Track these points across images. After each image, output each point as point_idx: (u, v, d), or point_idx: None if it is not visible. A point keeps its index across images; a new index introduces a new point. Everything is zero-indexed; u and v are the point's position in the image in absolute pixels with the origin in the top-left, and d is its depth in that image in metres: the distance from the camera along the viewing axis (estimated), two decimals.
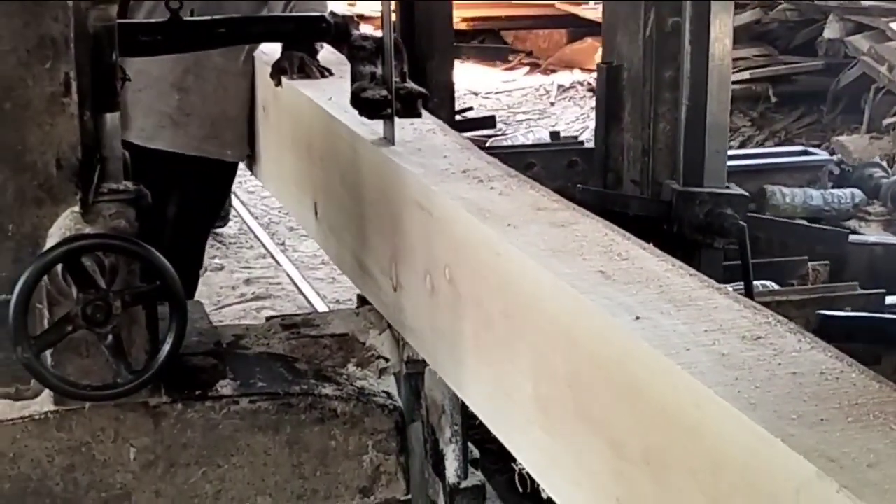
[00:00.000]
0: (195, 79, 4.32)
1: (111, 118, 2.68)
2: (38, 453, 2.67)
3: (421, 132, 3.05)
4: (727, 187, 4.56)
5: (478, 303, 2.41)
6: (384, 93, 2.89)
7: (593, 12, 11.89)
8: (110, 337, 2.49)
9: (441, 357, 2.69)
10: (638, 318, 1.93)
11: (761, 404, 1.64)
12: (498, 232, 2.34)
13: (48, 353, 2.56)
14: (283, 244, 6.91)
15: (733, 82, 9.82)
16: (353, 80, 3.00)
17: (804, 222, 5.81)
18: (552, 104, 11.21)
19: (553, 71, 12.45)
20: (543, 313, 2.16)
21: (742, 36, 10.15)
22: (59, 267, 2.48)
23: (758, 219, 5.12)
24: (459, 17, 13.03)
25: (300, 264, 6.49)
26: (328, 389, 2.90)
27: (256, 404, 2.80)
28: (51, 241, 2.54)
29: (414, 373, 2.99)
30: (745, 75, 9.95)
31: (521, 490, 2.89)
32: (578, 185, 4.68)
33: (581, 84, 11.41)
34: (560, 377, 2.09)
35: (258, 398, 2.81)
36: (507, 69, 12.98)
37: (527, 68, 13.01)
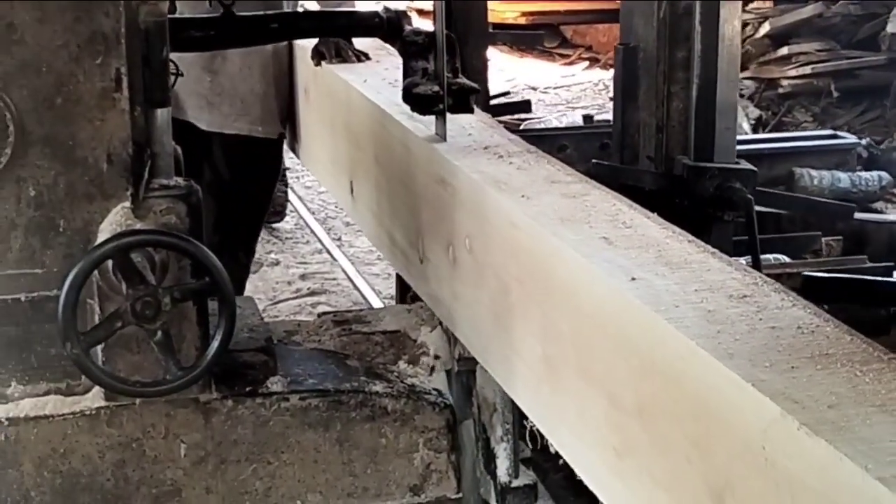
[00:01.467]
0: (222, 61, 4.39)
1: (162, 113, 2.68)
2: (89, 449, 2.67)
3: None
4: (736, 163, 4.71)
5: (494, 271, 2.53)
6: (436, 88, 2.87)
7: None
8: (160, 333, 2.49)
9: (462, 324, 2.80)
10: (634, 278, 2.06)
11: (738, 354, 1.77)
12: (513, 202, 2.46)
13: (98, 349, 2.56)
14: (339, 239, 6.91)
15: (795, 77, 9.78)
16: (406, 76, 2.98)
17: (813, 197, 5.95)
18: (611, 99, 11.13)
19: (612, 66, 12.39)
20: (552, 278, 2.28)
21: (804, 30, 10.05)
22: (110, 263, 2.48)
23: (766, 193, 5.27)
24: (519, 11, 13.01)
25: (356, 260, 6.48)
26: (379, 387, 2.88)
27: (307, 401, 2.80)
28: (101, 237, 2.54)
29: (465, 370, 2.97)
30: (807, 70, 9.85)
31: (530, 447, 2.87)
32: (593, 161, 4.85)
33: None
34: (565, 337, 2.23)
35: (308, 395, 2.80)
36: (566, 64, 12.93)
37: (586, 63, 12.94)
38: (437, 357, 3.05)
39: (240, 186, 4.55)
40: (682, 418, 1.85)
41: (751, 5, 9.66)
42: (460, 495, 2.94)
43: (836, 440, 1.53)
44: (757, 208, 4.74)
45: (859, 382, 1.70)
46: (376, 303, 5.80)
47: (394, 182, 3.22)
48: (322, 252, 6.73)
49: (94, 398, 2.67)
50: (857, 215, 5.78)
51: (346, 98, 3.68)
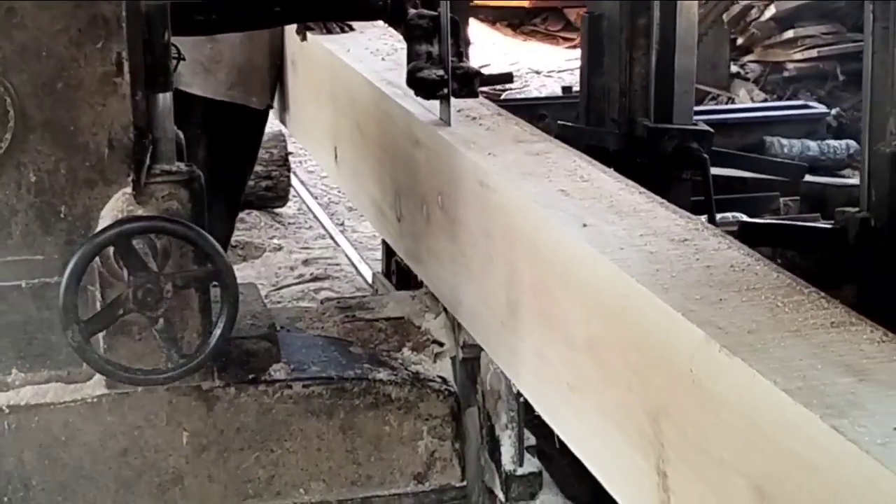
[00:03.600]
0: None
1: (164, 98, 2.65)
2: (91, 437, 2.66)
3: None
4: (694, 124, 5.01)
5: (464, 225, 2.70)
6: (440, 72, 2.85)
7: None
8: (161, 320, 2.47)
9: (436, 279, 2.95)
10: (585, 225, 2.24)
11: (673, 289, 1.94)
12: (480, 160, 2.63)
13: (100, 336, 2.54)
14: (341, 224, 6.88)
15: (800, 60, 9.73)
16: (410, 60, 2.95)
17: (766, 157, 6.27)
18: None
19: None
20: (514, 229, 2.45)
21: (810, 13, 10.00)
22: (111, 249, 2.46)
23: (721, 153, 5.54)
24: None
25: (359, 245, 6.45)
26: (383, 374, 2.86)
27: (310, 389, 2.78)
28: (103, 223, 2.52)
29: (470, 357, 2.95)
30: (813, 53, 9.80)
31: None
32: (559, 122, 5.12)
33: None
34: (526, 284, 2.40)
35: (312, 383, 2.78)
36: (570, 47, 12.89)
37: None
38: (441, 344, 3.03)
39: (223, 151, 4.60)
40: (625, 351, 2.01)
41: None
42: (464, 483, 2.92)
43: (751, 359, 1.70)
44: (722, 171, 5.22)
45: (779, 312, 1.86)
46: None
47: (373, 146, 3.38)
48: (325, 237, 6.70)
49: (96, 386, 2.65)
50: (818, 179, 6.11)
51: (330, 68, 3.82)
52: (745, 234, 4.05)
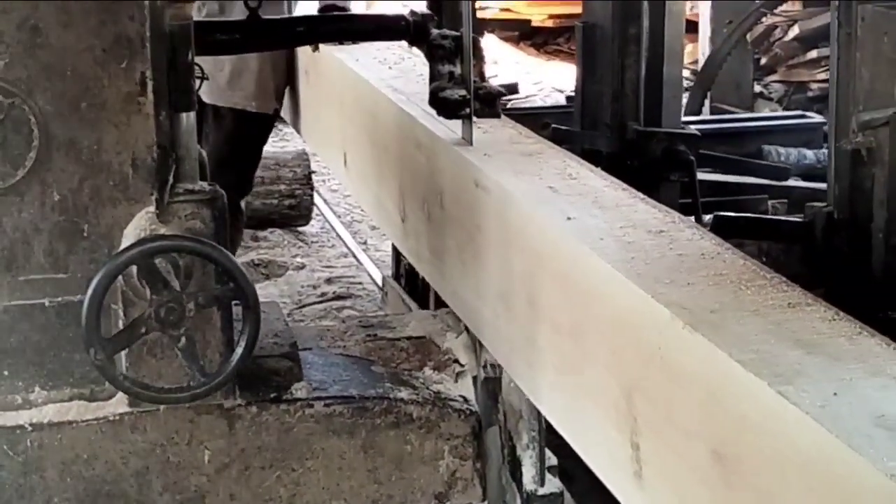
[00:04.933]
0: None
1: (187, 117, 2.67)
2: (113, 455, 2.66)
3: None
4: (682, 128, 5.29)
5: (461, 222, 2.85)
6: (462, 92, 2.85)
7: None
8: (184, 339, 2.47)
9: (436, 276, 3.11)
10: (569, 218, 2.38)
11: (646, 274, 2.09)
12: (476, 160, 2.78)
13: (122, 354, 2.55)
14: (364, 243, 6.89)
15: (824, 80, 9.69)
16: (432, 80, 2.96)
17: (750, 160, 6.50)
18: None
19: None
20: (505, 224, 2.60)
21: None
22: (134, 268, 2.47)
23: (708, 155, 5.86)
24: (546, 14, 12.98)
25: (381, 263, 6.45)
26: (404, 393, 2.86)
27: (331, 408, 2.78)
28: (126, 242, 2.53)
29: (491, 377, 2.95)
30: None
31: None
32: (553, 125, 5.33)
33: None
34: (516, 275, 2.55)
35: (333, 402, 2.78)
36: None
37: None
38: (462, 363, 3.03)
39: (228, 153, 4.79)
40: (603, 333, 2.16)
41: (780, 8, 9.60)
42: (485, 503, 2.91)
43: (710, 335, 1.84)
44: (716, 177, 5.60)
45: (742, 294, 2.01)
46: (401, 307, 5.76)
47: (379, 149, 3.55)
48: (347, 256, 6.71)
49: (118, 404, 2.65)
50: (808, 183, 6.25)
51: (340, 76, 3.99)
52: (720, 227, 4.35)
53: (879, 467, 1.48)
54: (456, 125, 2.94)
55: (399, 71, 3.75)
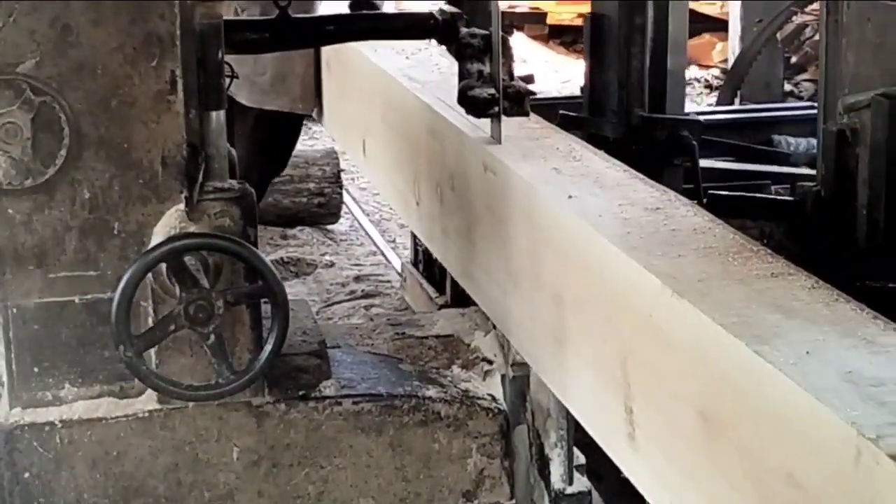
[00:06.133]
0: None
1: (217, 116, 2.67)
2: (142, 452, 2.67)
3: (446, 76, 3.58)
4: (686, 114, 5.51)
5: (470, 204, 2.99)
6: (491, 91, 2.85)
7: (711, 7, 11.72)
8: (213, 336, 2.48)
9: (448, 256, 3.25)
10: (571, 196, 2.50)
11: (640, 247, 2.21)
12: (485, 145, 2.89)
13: (152, 352, 2.56)
14: (393, 241, 6.88)
15: None
16: (461, 78, 2.96)
17: (752, 146, 6.66)
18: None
19: None
20: (511, 203, 2.72)
21: None
22: (164, 265, 2.48)
23: (710, 140, 5.98)
24: (575, 12, 12.96)
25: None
26: (432, 391, 2.87)
27: (359, 405, 2.78)
28: (156, 240, 2.54)
29: (520, 375, 2.95)
30: None
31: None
32: (560, 112, 5.51)
33: (698, 80, 11.23)
34: (522, 251, 2.67)
35: (361, 399, 2.79)
36: None
37: None
38: (490, 362, 3.03)
39: (261, 155, 4.85)
40: (600, 304, 2.28)
41: (810, 7, 9.57)
42: (513, 502, 2.92)
43: (696, 301, 1.95)
44: (724, 165, 5.83)
45: (729, 265, 2.13)
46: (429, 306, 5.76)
47: (397, 136, 3.69)
48: (376, 254, 6.71)
49: (147, 401, 2.66)
50: (809, 171, 6.30)
51: (359, 66, 4.11)
52: (714, 205, 4.43)
53: (843, 416, 1.57)
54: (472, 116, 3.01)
55: (416, 61, 3.86)
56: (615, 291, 2.22)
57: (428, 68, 3.73)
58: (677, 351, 1.99)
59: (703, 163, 5.49)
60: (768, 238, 4.46)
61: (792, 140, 6.83)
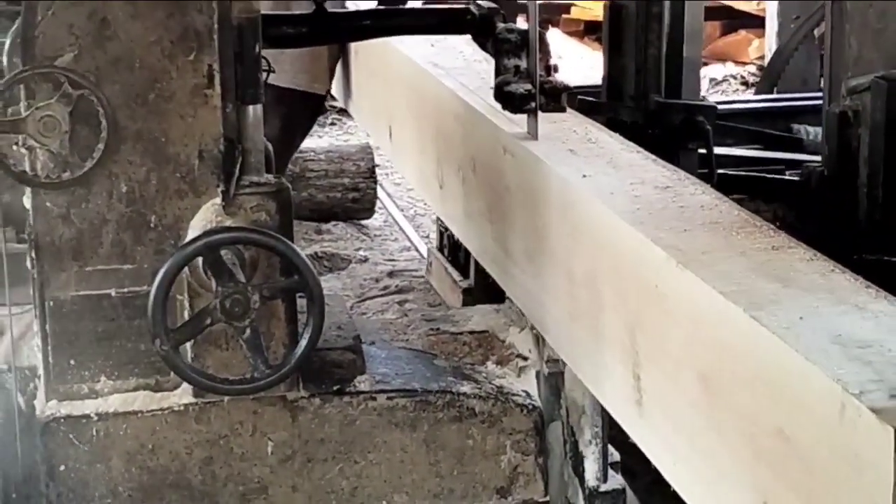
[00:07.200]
0: None
1: (254, 110, 2.67)
2: (177, 445, 2.68)
3: (469, 62, 3.74)
4: (701, 100, 5.63)
5: (490, 186, 3.07)
6: (528, 87, 2.84)
7: (747, 4, 11.67)
8: (248, 331, 2.48)
9: (470, 237, 3.35)
10: (584, 175, 2.59)
11: (648, 222, 2.29)
12: (505, 127, 2.97)
13: (188, 345, 2.56)
14: (427, 237, 6.88)
15: None
16: (497, 74, 2.95)
17: (765, 129, 6.76)
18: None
19: (706, 64, 12.24)
20: (527, 182, 2.80)
21: None
22: (200, 259, 2.48)
23: (724, 126, 6.10)
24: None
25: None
26: (466, 387, 2.86)
27: (394, 401, 2.78)
28: (192, 233, 2.55)
29: (554, 372, 2.94)
30: None
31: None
32: (579, 96, 5.56)
33: (734, 77, 11.17)
34: (538, 230, 2.74)
35: (396, 395, 2.78)
36: None
37: None
38: (525, 358, 3.02)
39: (282, 131, 4.88)
40: (610, 278, 2.37)
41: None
42: (547, 499, 2.91)
43: (699, 271, 2.04)
44: (741, 152, 5.99)
45: (733, 239, 2.22)
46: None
47: (421, 122, 3.79)
48: (410, 249, 6.71)
49: (183, 395, 2.67)
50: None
51: (385, 54, 4.21)
52: (723, 184, 4.56)
53: (829, 374, 1.67)
54: (492, 100, 3.05)
55: (441, 48, 3.93)
56: (624, 264, 2.31)
57: (452, 55, 3.82)
58: (681, 319, 2.08)
59: (719, 150, 5.60)
60: (781, 220, 4.65)
61: (811, 129, 6.88)
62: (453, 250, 4.91)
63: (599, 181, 2.55)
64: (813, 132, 6.85)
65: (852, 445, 1.61)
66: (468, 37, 3.30)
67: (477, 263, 3.69)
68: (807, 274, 2.04)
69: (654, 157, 2.75)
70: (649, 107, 5.46)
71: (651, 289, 2.17)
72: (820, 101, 7.23)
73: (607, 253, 2.39)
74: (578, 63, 11.84)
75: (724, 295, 1.94)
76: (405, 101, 4.03)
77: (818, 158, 6.51)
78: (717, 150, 5.50)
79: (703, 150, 5.37)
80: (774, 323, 1.83)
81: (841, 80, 4.32)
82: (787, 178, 5.35)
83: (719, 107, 5.86)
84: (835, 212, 4.39)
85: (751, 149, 6.56)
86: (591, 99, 5.66)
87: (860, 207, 4.23)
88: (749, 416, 1.87)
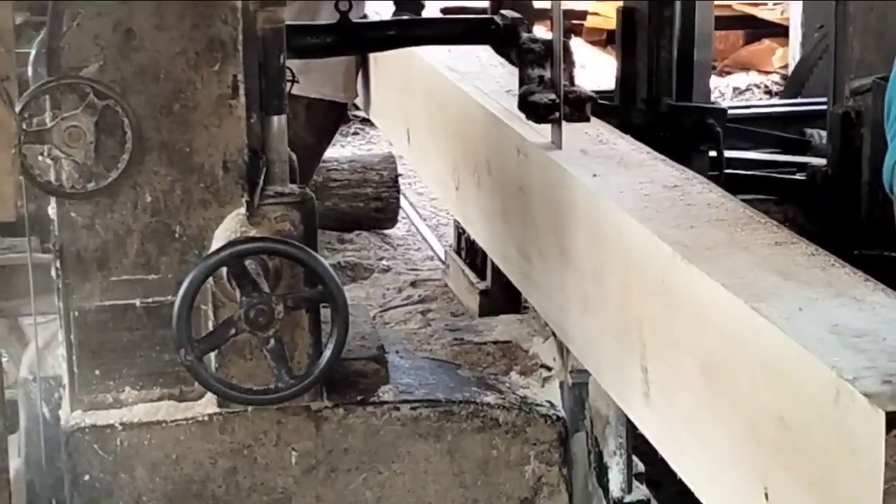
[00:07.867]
0: None
1: (278, 120, 2.68)
2: (201, 455, 2.68)
3: (484, 66, 3.85)
4: (712, 103, 5.81)
5: (504, 186, 3.18)
6: (552, 96, 2.84)
7: (771, 13, 11.65)
8: (272, 341, 2.48)
9: (485, 237, 3.45)
10: (595, 175, 2.67)
11: (656, 219, 2.38)
12: (519, 129, 3.04)
13: (212, 355, 2.57)
14: (450, 246, 6.89)
15: None
16: (521, 83, 2.95)
17: (774, 133, 6.83)
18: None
19: (728, 73, 12.23)
20: (541, 183, 2.89)
21: None
22: (224, 269, 2.48)
23: (734, 128, 6.19)
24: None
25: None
26: (490, 398, 2.85)
27: (418, 411, 2.78)
28: (216, 244, 2.55)
29: (578, 382, 2.93)
30: None
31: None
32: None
33: (757, 86, 11.14)
34: (550, 227, 2.84)
35: (419, 405, 2.78)
36: None
37: None
38: (549, 368, 3.02)
39: (309, 140, 5.01)
40: (617, 273, 2.45)
41: None
42: None
43: (704, 266, 2.12)
44: (753, 155, 6.13)
45: (737, 236, 2.29)
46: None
47: (438, 125, 3.91)
48: (433, 259, 6.70)
49: (207, 404, 2.67)
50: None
51: (404, 59, 4.28)
52: (730, 184, 4.62)
53: (826, 361, 1.73)
54: (506, 101, 3.15)
55: (457, 53, 4.02)
56: (632, 259, 2.38)
57: (469, 60, 3.92)
58: (685, 312, 2.16)
59: (730, 153, 5.70)
60: (791, 221, 4.72)
61: (824, 133, 6.94)
62: (470, 252, 4.99)
63: (609, 180, 2.64)
64: (825, 136, 6.96)
65: (847, 429, 1.68)
66: None
67: (493, 265, 3.80)
68: (808, 268, 2.11)
69: (663, 157, 2.83)
70: (661, 110, 5.56)
71: (657, 283, 2.26)
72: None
73: (616, 248, 2.47)
74: (601, 71, 11.83)
75: (726, 287, 2.01)
76: (423, 105, 4.14)
77: (825, 161, 6.68)
78: (728, 153, 5.59)
79: (713, 153, 5.44)
80: (775, 314, 1.90)
81: (844, 81, 4.47)
82: (792, 177, 5.50)
83: (732, 111, 5.99)
84: (838, 209, 4.55)
85: (762, 152, 6.63)
86: (604, 102, 5.72)
87: (862, 205, 4.39)
88: (750, 403, 1.93)
